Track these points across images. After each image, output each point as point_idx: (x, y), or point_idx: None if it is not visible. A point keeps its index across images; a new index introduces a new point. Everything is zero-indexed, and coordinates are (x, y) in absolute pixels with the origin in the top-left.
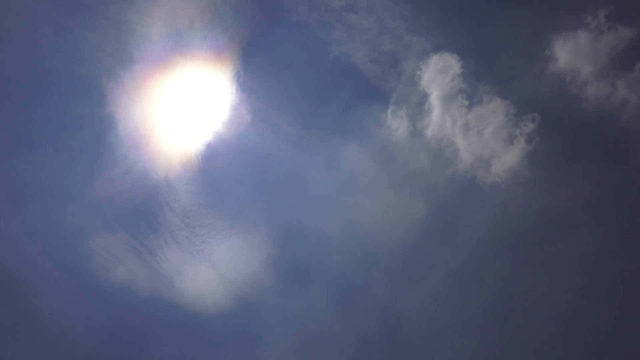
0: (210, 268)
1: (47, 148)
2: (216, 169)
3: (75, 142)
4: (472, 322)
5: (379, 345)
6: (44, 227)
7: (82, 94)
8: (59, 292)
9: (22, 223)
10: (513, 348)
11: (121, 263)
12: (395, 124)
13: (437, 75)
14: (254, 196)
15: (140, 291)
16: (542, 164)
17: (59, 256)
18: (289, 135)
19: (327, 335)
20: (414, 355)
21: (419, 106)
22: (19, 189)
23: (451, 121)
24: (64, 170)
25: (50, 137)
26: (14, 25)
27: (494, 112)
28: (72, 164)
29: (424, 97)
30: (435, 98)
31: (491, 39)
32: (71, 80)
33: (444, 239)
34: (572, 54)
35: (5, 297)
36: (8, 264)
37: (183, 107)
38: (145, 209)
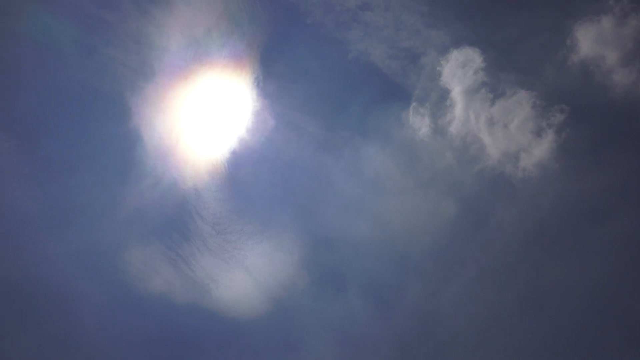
0: (244, 273)
1: (79, 167)
2: (243, 175)
3: (105, 158)
4: (509, 317)
5: (417, 345)
6: (82, 246)
7: (108, 110)
8: (100, 307)
9: (61, 243)
10: (552, 341)
11: (158, 273)
12: (418, 122)
13: (458, 69)
14: (282, 200)
15: (178, 300)
16: (572, 155)
17: (99, 272)
18: (313, 137)
19: (364, 337)
20: (453, 353)
21: (441, 102)
22: (55, 210)
23: (475, 116)
24: (96, 188)
25: (81, 157)
26: (40, 49)
27: (520, 104)
28: (103, 180)
29: (446, 92)
30: (457, 93)
31: (512, 30)
32: (97, 97)
33: (475, 236)
34: (596, 40)
35: (50, 316)
36: (51, 284)
37: (206, 116)
38: (177, 219)
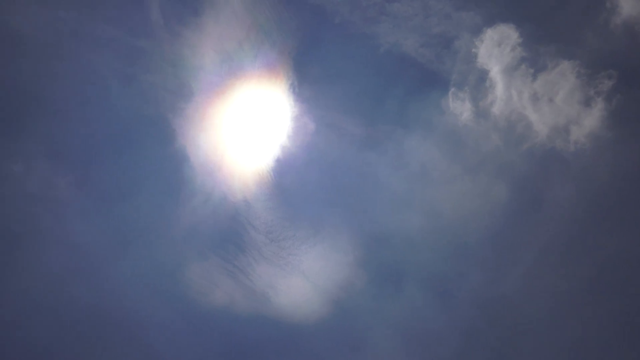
0: (302, 278)
1: (132, 193)
2: (290, 181)
3: (156, 181)
4: (575, 295)
5: (483, 333)
6: (143, 268)
7: (154, 134)
8: (167, 325)
9: (125, 267)
10: (622, 316)
11: (218, 287)
12: (459, 107)
13: (494, 48)
14: (331, 201)
15: (240, 311)
16: (625, 122)
17: (162, 292)
18: (354, 136)
19: (429, 330)
20: (522, 337)
21: (480, 84)
22: (116, 235)
23: (518, 94)
24: (151, 210)
25: (133, 182)
26: (83, 84)
27: (564, 75)
28: (157, 202)
29: (484, 73)
30: (496, 73)
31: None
32: (142, 123)
33: (532, 216)
34: None
35: (121, 339)
36: (118, 308)
37: (247, 128)
38: (231, 232)
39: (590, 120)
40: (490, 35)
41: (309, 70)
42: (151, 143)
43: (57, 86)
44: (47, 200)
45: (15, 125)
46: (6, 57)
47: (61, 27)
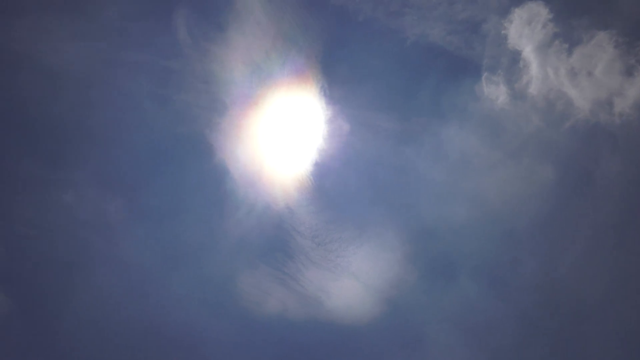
0: (353, 279)
1: (178, 210)
2: (330, 183)
3: (199, 197)
4: (635, 274)
5: (543, 319)
6: (197, 282)
7: (192, 151)
8: (224, 337)
9: (178, 284)
10: None
11: (270, 295)
12: (493, 91)
13: (525, 27)
14: (373, 200)
15: (294, 317)
16: None
17: (216, 304)
18: (389, 132)
19: (486, 321)
20: (581, 322)
21: (513, 66)
22: (166, 254)
23: (554, 71)
24: (198, 226)
25: (178, 199)
26: (121, 110)
27: (601, 46)
28: (203, 218)
29: (517, 54)
30: (529, 52)
31: None
32: (180, 142)
33: (581, 196)
34: None
35: (180, 354)
36: (176, 324)
37: (283, 135)
38: (277, 240)
39: (633, 90)
40: (519, 14)
41: (338, 71)
42: (190, 160)
43: (96, 115)
44: (97, 226)
45: (62, 157)
46: (48, 92)
47: (94, 58)
